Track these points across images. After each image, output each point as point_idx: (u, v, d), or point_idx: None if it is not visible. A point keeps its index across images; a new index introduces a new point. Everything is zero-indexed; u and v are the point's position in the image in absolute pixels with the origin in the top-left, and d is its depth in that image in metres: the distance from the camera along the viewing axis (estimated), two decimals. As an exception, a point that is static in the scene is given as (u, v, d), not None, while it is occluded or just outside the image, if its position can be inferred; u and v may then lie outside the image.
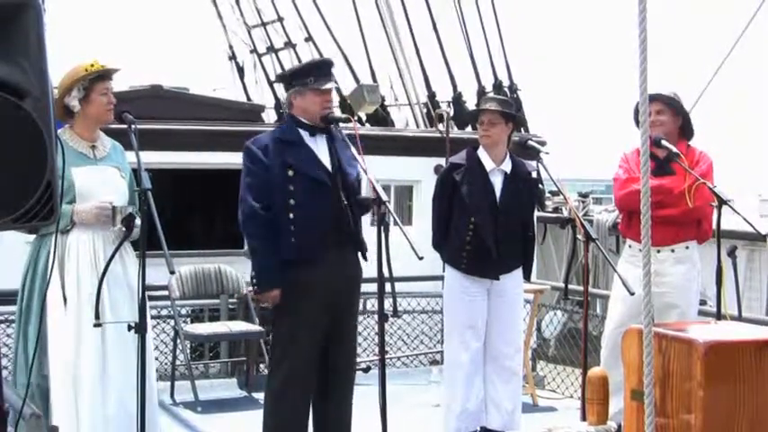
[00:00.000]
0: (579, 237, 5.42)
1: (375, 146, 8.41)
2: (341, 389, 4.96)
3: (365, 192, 4.63)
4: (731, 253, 5.71)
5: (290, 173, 4.78)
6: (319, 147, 4.89)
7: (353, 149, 4.77)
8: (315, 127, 4.89)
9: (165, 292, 7.08)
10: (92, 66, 4.68)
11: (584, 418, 4.31)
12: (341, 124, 4.97)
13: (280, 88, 13.28)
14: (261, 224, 4.76)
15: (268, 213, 4.76)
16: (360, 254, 4.94)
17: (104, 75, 4.72)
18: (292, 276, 4.77)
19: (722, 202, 5.21)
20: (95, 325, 4.40)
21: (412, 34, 12.02)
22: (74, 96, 4.67)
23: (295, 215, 4.75)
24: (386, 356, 4.69)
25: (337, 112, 5.03)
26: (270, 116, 12.64)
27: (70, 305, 4.56)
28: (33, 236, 4.77)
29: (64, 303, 4.56)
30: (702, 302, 6.39)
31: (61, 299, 4.55)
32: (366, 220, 5.19)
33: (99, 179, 4.69)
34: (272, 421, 4.90)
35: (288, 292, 4.80)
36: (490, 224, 5.52)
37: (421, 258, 4.22)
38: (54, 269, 4.52)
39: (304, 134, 4.88)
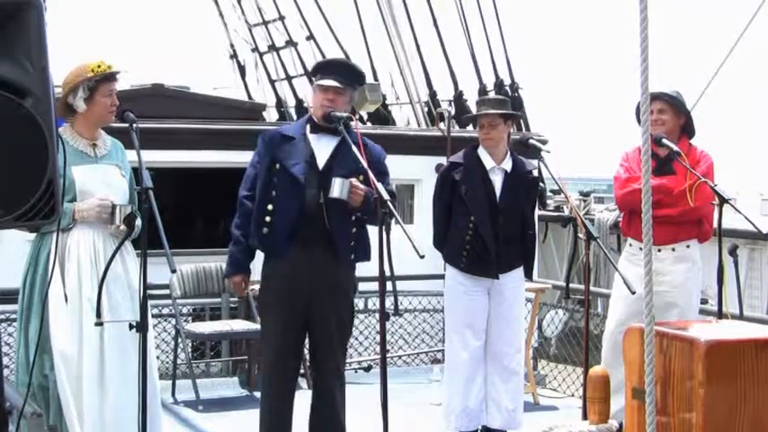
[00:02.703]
0: (580, 235, 5.41)
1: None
2: (329, 387, 4.98)
3: (335, 192, 4.67)
4: (732, 252, 5.71)
5: (277, 166, 4.87)
6: (321, 145, 4.90)
7: (355, 149, 4.76)
8: (320, 125, 4.90)
9: (167, 291, 7.08)
10: (98, 66, 4.67)
11: (585, 417, 4.31)
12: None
13: (281, 87, 13.32)
14: (242, 213, 4.95)
15: (253, 204, 4.91)
16: (338, 255, 4.87)
17: (110, 77, 4.71)
18: (265, 268, 4.95)
19: (723, 200, 5.21)
20: (97, 324, 4.40)
21: (413, 32, 12.02)
22: (79, 97, 4.66)
23: (273, 207, 4.85)
24: (387, 355, 4.69)
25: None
26: (271, 115, 12.66)
27: (70, 304, 4.55)
28: (33, 234, 4.77)
29: (65, 302, 4.55)
30: (704, 301, 6.40)
31: (62, 298, 4.55)
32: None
33: (99, 178, 4.69)
34: (260, 414, 5.01)
35: (262, 286, 4.99)
36: (489, 223, 5.53)
37: (422, 257, 4.21)
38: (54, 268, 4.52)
39: (307, 130, 4.92)
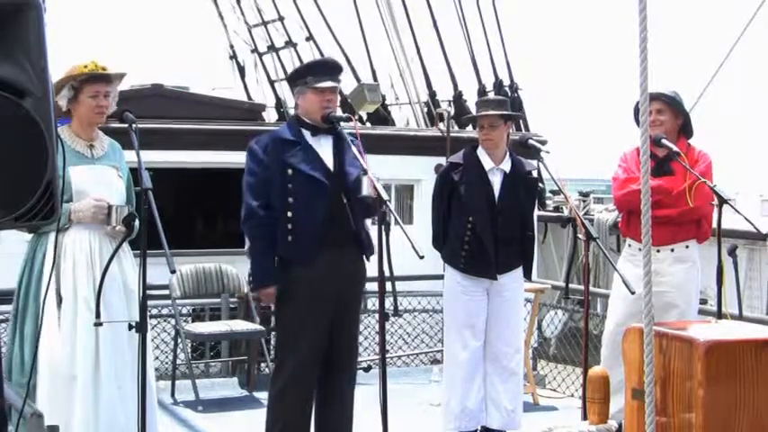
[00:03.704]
0: (580, 236, 5.41)
1: (376, 145, 8.41)
2: (341, 390, 4.96)
3: (365, 190, 4.64)
4: (732, 252, 5.70)
5: (290, 172, 4.81)
6: (322, 146, 4.90)
7: (354, 149, 4.77)
8: (318, 127, 4.90)
9: (166, 291, 7.08)
10: (85, 66, 4.65)
11: (584, 418, 4.31)
12: (342, 123, 4.97)
13: (281, 88, 13.31)
14: (258, 224, 4.82)
15: (266, 212, 4.80)
16: (363, 253, 4.92)
17: (97, 77, 4.65)
18: (291, 275, 4.81)
19: (722, 201, 5.21)
20: (96, 324, 4.39)
21: (413, 33, 12.04)
22: (62, 96, 4.63)
23: (293, 214, 4.78)
24: (386, 355, 4.69)
25: (338, 112, 5.02)
26: (270, 115, 12.65)
27: (65, 304, 4.54)
28: (30, 234, 4.75)
29: (60, 303, 4.53)
30: (703, 302, 6.40)
31: (56, 298, 4.53)
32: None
33: (96, 178, 4.66)
34: (273, 420, 4.91)
35: (287, 292, 4.84)
36: (488, 224, 5.53)
37: (422, 257, 4.22)
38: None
39: (306, 134, 4.90)
